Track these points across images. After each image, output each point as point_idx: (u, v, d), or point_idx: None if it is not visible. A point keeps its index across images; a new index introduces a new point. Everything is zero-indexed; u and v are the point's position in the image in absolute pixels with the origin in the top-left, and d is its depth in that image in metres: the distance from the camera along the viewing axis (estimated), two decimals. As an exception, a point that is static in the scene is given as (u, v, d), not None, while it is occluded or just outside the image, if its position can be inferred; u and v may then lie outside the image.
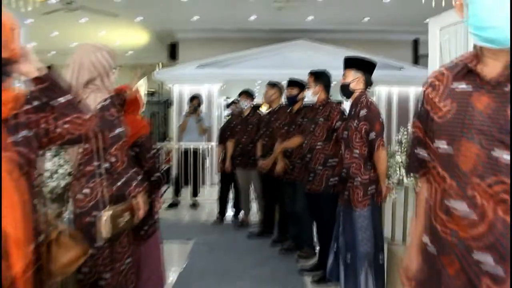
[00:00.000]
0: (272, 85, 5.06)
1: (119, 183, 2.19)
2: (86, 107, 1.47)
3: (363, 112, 2.96)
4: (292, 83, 4.50)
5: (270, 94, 5.02)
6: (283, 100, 4.92)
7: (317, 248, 4.22)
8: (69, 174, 2.84)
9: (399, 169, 2.88)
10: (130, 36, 11.01)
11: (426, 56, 10.78)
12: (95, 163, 2.17)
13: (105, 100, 2.21)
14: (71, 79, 2.21)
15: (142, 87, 10.33)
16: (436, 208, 1.29)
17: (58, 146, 1.97)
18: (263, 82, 8.74)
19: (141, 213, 2.30)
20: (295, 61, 9.37)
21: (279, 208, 5.05)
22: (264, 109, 5.71)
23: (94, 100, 2.19)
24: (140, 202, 2.28)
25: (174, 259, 4.46)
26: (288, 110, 4.62)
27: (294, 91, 4.45)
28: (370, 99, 3.02)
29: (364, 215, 2.92)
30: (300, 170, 4.28)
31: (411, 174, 1.33)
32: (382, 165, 2.94)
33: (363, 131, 2.94)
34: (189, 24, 10.07)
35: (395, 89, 10.34)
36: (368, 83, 3.10)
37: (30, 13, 8.23)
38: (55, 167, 2.83)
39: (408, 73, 10.03)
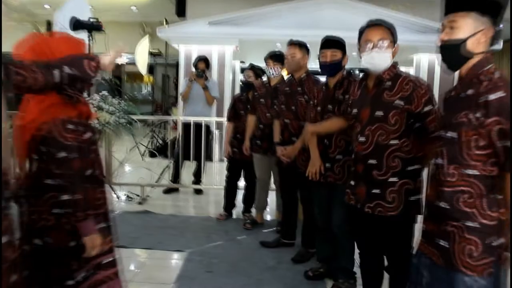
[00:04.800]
0: (300, 45, 3.67)
1: None
2: None
3: (493, 97, 1.52)
4: (332, 43, 3.10)
5: (298, 58, 3.63)
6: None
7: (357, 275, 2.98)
8: None
9: None
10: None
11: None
12: None
13: None
14: None
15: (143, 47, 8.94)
16: None
17: None
18: (284, 45, 7.35)
19: None
20: (323, 21, 7.91)
21: (304, 214, 3.74)
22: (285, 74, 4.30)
23: None
24: None
25: (158, 282, 3.23)
26: (324, 83, 3.26)
27: (337, 55, 3.06)
28: (499, 73, 1.64)
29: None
30: (341, 169, 2.96)
31: None
32: None
33: (492, 133, 1.53)
34: (200, -27, 8.61)
35: (438, 57, 8.81)
36: (495, 40, 1.70)
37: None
38: None
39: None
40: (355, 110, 2.47)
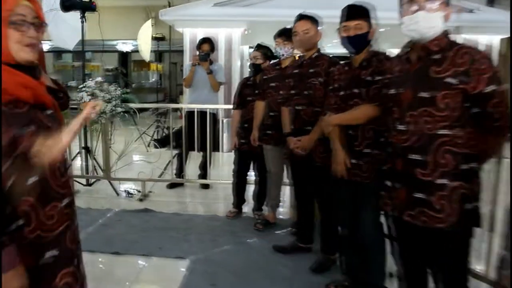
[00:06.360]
0: (312, 19, 3.14)
1: None
2: None
3: None
4: (356, 12, 2.55)
5: (312, 34, 3.11)
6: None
7: None
8: None
9: None
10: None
11: (506, -5, 8.73)
12: None
13: None
14: None
15: (146, 32, 8.47)
16: None
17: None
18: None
19: None
20: (340, 1, 7.32)
21: (321, 214, 3.24)
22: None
23: None
24: None
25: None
26: (345, 62, 2.72)
27: (363, 27, 2.52)
28: None
29: None
30: (370, 166, 2.44)
31: None
32: None
33: None
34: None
35: (462, 38, 8.20)
36: None
37: None
38: None
39: (481, 16, 7.85)
40: (392, 91, 1.94)
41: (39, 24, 1.37)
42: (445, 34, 1.82)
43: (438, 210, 1.78)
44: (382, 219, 2.42)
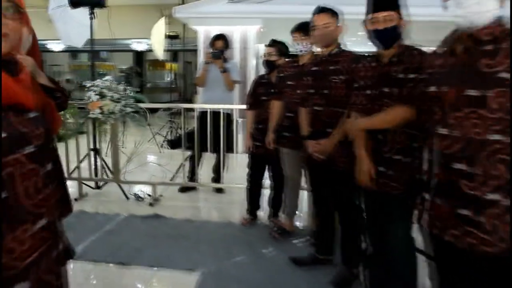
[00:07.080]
0: (333, 13, 2.87)
1: None
2: None
3: None
4: (385, 3, 2.26)
5: (332, 28, 2.85)
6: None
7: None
8: None
9: None
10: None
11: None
12: None
13: None
14: None
15: (159, 30, 8.25)
16: None
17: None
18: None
19: None
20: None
21: (341, 223, 2.98)
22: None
23: None
24: None
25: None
26: (372, 58, 2.44)
27: (393, 19, 2.23)
28: None
29: None
30: (401, 175, 2.16)
31: None
32: None
33: None
34: None
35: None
36: None
37: None
38: None
39: (506, 12, 7.47)
40: (433, 89, 1.66)
41: (14, 10, 1.14)
42: (499, 20, 1.53)
43: (488, 231, 1.50)
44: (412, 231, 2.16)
